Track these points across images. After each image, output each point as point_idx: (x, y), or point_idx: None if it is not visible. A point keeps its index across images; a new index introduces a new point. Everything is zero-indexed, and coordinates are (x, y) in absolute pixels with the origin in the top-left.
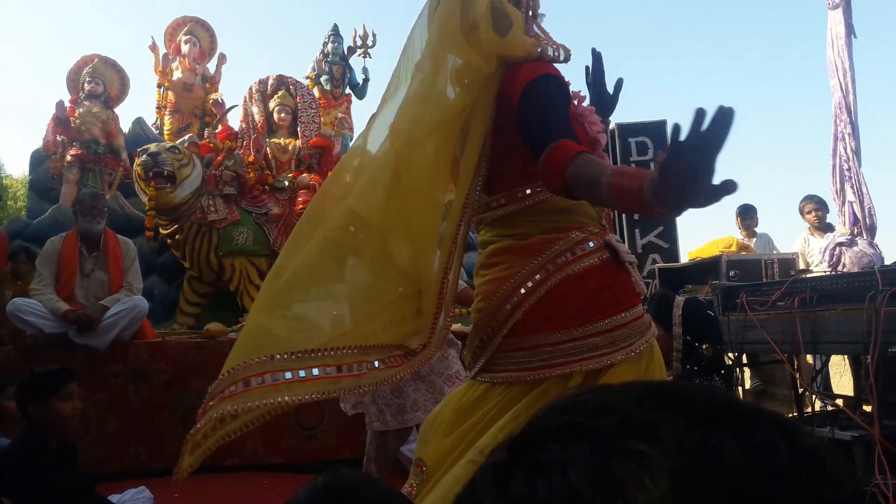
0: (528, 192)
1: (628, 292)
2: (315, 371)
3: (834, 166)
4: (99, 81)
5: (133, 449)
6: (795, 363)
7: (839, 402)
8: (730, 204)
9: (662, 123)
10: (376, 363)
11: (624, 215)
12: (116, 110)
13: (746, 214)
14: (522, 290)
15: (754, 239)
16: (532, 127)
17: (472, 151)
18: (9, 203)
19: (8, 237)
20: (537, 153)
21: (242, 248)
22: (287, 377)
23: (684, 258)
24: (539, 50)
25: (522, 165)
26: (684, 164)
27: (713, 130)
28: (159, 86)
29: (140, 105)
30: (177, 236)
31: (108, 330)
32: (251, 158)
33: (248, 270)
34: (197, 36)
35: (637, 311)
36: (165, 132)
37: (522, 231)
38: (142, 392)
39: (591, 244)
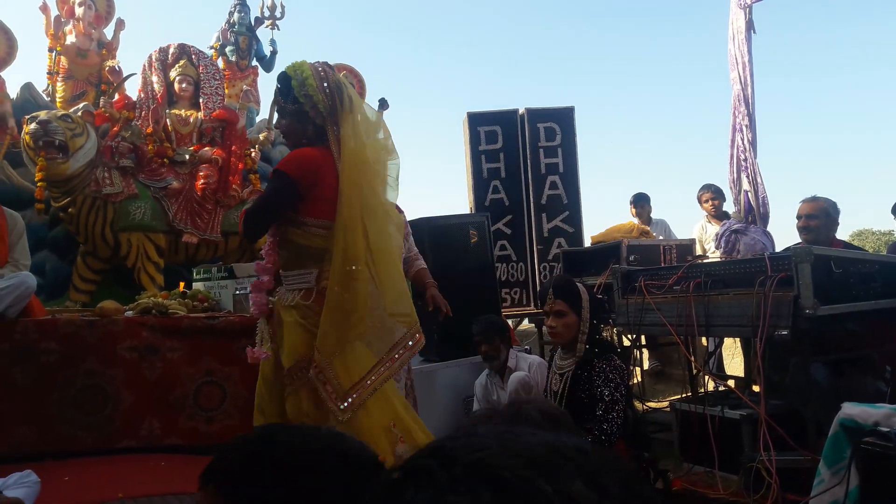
0: None
1: None
2: None
3: (732, 156)
4: None
5: (20, 431)
6: (690, 345)
7: (731, 382)
8: (635, 189)
9: (570, 110)
10: None
11: (533, 202)
12: (3, 74)
13: (639, 203)
14: None
15: (651, 226)
16: None
17: None
18: None
19: None
20: None
21: (140, 224)
22: None
23: (588, 243)
24: None
25: None
26: None
27: None
28: (51, 50)
29: (29, 69)
30: (69, 210)
31: None
32: (150, 130)
33: (145, 247)
34: None
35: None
36: (58, 99)
37: None
38: (30, 372)
39: None
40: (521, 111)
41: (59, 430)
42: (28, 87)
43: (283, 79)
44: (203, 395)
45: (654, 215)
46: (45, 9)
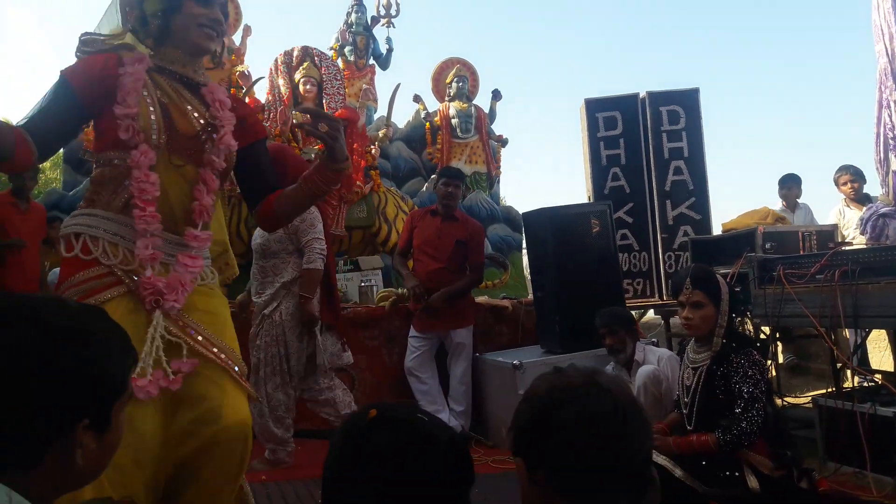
0: None
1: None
2: None
3: (878, 135)
4: None
5: None
6: (833, 337)
7: (877, 377)
8: (766, 173)
9: (695, 91)
10: None
11: (656, 188)
12: None
13: (786, 185)
14: None
15: (796, 211)
16: None
17: None
18: (41, 175)
19: (45, 208)
20: None
21: None
22: None
23: (717, 230)
24: None
25: None
26: None
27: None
28: None
29: None
30: None
31: None
32: (278, 131)
33: None
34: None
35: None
36: None
37: None
38: None
39: None
40: (641, 95)
41: None
42: None
43: None
44: None
45: (799, 200)
46: None
